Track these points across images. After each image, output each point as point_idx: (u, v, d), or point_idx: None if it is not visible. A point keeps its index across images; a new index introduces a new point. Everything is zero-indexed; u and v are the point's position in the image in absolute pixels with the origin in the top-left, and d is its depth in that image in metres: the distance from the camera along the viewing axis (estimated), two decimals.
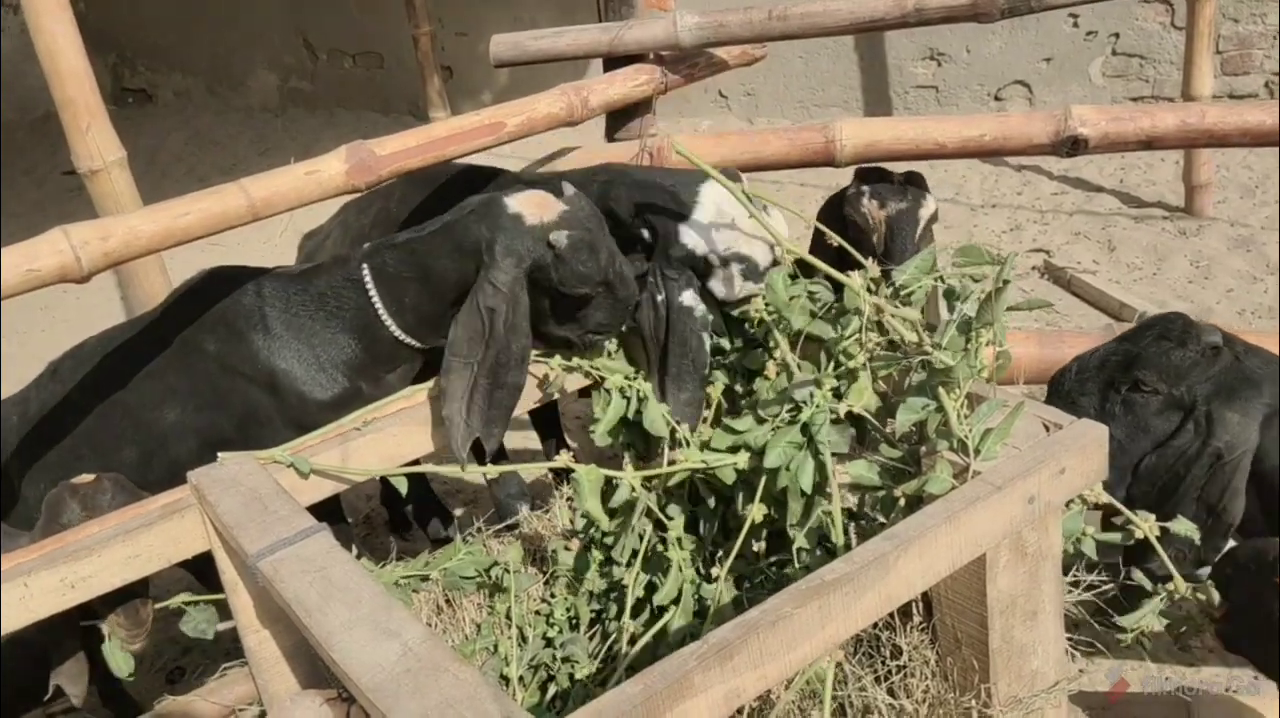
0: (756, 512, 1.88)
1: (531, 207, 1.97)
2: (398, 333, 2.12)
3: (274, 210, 1.97)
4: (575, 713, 1.25)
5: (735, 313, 2.18)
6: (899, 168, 2.50)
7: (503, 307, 1.92)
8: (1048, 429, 1.68)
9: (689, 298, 2.10)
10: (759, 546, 2.05)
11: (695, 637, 1.85)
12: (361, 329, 2.13)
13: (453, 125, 2.23)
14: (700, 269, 2.12)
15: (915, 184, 2.40)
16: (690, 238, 2.13)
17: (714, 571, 1.97)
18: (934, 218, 2.47)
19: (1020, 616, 1.69)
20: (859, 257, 1.97)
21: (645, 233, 2.19)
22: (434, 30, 7.30)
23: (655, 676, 1.29)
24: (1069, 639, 1.82)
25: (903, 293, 1.95)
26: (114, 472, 2.20)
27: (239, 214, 1.91)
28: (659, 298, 2.11)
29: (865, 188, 2.45)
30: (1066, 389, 2.06)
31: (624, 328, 2.16)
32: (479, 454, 2.87)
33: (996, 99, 6.76)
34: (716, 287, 2.13)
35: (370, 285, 2.09)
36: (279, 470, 1.92)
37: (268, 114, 9.22)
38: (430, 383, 2.11)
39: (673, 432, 2.10)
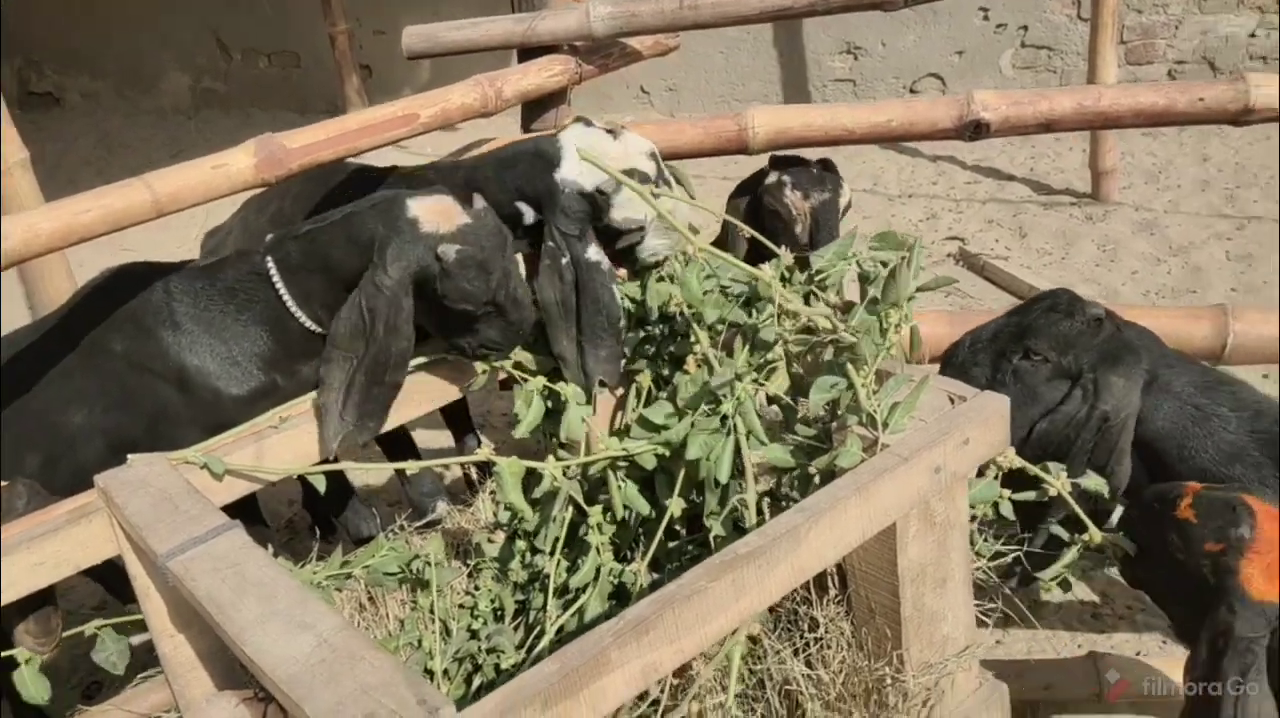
0: (675, 505, 1.91)
1: (431, 214, 1.96)
2: (308, 323, 2.10)
3: (179, 206, 1.93)
4: (494, 693, 1.26)
5: (655, 304, 2.19)
6: (806, 159, 2.56)
7: (384, 308, 1.91)
8: (952, 402, 1.73)
9: (593, 252, 2.11)
10: (680, 530, 2.08)
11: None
12: (272, 321, 2.11)
13: (365, 117, 2.21)
14: (597, 204, 2.12)
15: (831, 172, 2.46)
16: (572, 178, 2.12)
17: (634, 564, 1.99)
18: (848, 206, 2.52)
19: (930, 583, 1.74)
20: (772, 247, 2.01)
21: (524, 207, 2.17)
22: (351, 28, 7.21)
23: (572, 653, 1.30)
24: (980, 608, 1.87)
25: (818, 277, 2.00)
26: (19, 477, 2.14)
27: (143, 210, 1.87)
28: (564, 261, 2.11)
29: (787, 178, 2.49)
30: (960, 361, 2.13)
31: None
32: (390, 451, 2.86)
33: (912, 91, 6.90)
34: (619, 213, 2.13)
35: (276, 277, 2.07)
36: (190, 471, 1.89)
37: (180, 116, 9.01)
38: None
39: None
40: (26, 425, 2.14)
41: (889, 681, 1.73)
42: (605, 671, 1.32)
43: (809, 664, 1.77)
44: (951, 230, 5.41)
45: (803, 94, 7.14)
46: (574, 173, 2.11)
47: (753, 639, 1.79)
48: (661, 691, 1.73)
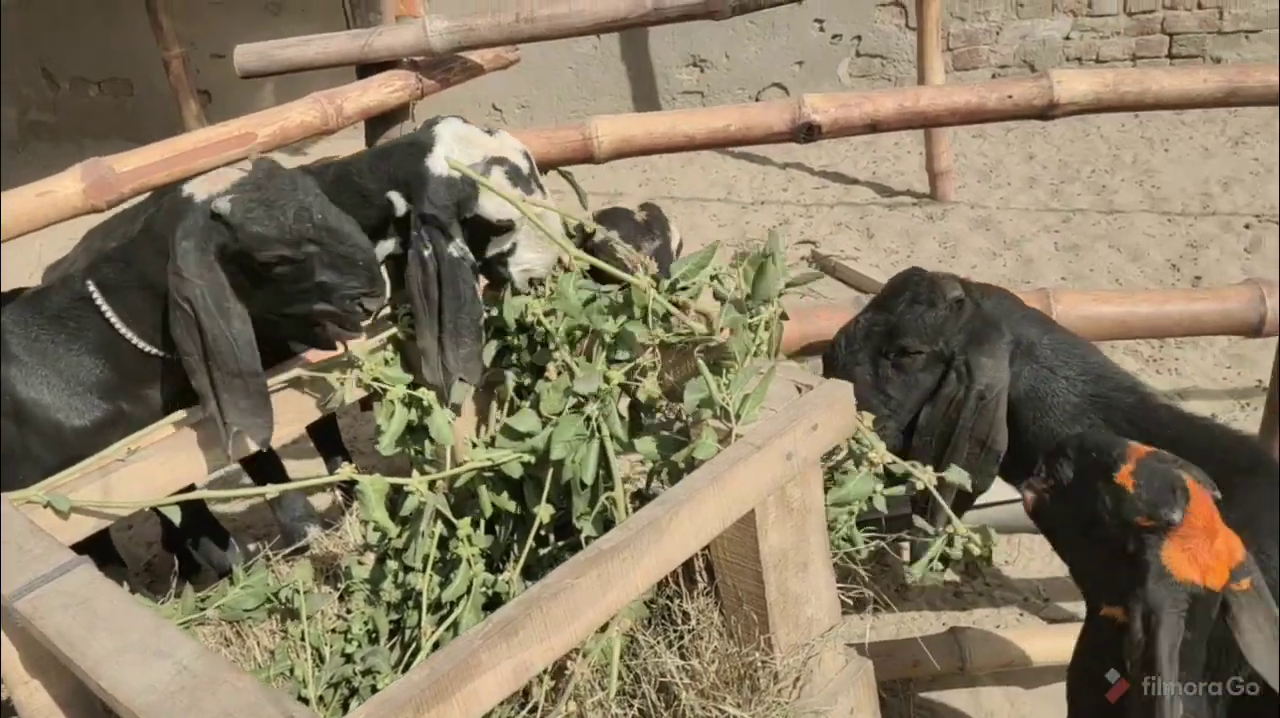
0: (544, 512, 1.93)
1: (202, 185, 1.89)
2: (140, 343, 2.03)
3: (5, 235, 1.85)
4: (363, 705, 1.25)
5: (511, 317, 2.20)
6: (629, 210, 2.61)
7: (198, 293, 1.84)
8: (800, 391, 1.81)
9: (455, 248, 2.09)
10: (551, 537, 2.10)
11: None
12: (104, 346, 2.04)
13: (200, 138, 2.16)
14: (465, 193, 2.09)
15: (657, 219, 2.51)
16: (440, 165, 2.10)
17: (505, 573, 2.00)
18: (680, 247, 2.59)
19: (792, 568, 1.80)
20: (637, 257, 2.05)
21: (395, 197, 2.14)
22: (186, 53, 6.97)
23: (441, 658, 1.31)
24: (844, 591, 1.95)
25: (678, 287, 2.06)
26: None
27: None
28: (426, 253, 2.09)
29: (616, 233, 2.55)
30: (841, 363, 2.21)
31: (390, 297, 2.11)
32: (256, 475, 2.79)
33: (757, 100, 7.10)
34: (488, 203, 2.10)
35: (100, 300, 2.00)
36: (34, 511, 1.81)
37: (7, 150, 8.54)
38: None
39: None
40: None
41: (759, 665, 1.79)
42: (476, 673, 1.33)
43: (683, 656, 1.81)
44: (803, 234, 5.60)
45: (653, 106, 7.26)
46: (442, 159, 2.09)
47: (629, 637, 1.83)
48: (541, 691, 1.74)
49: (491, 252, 2.16)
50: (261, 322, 2.01)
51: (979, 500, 2.50)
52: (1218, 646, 1.54)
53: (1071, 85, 2.25)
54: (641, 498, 2.15)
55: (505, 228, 2.15)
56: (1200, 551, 1.49)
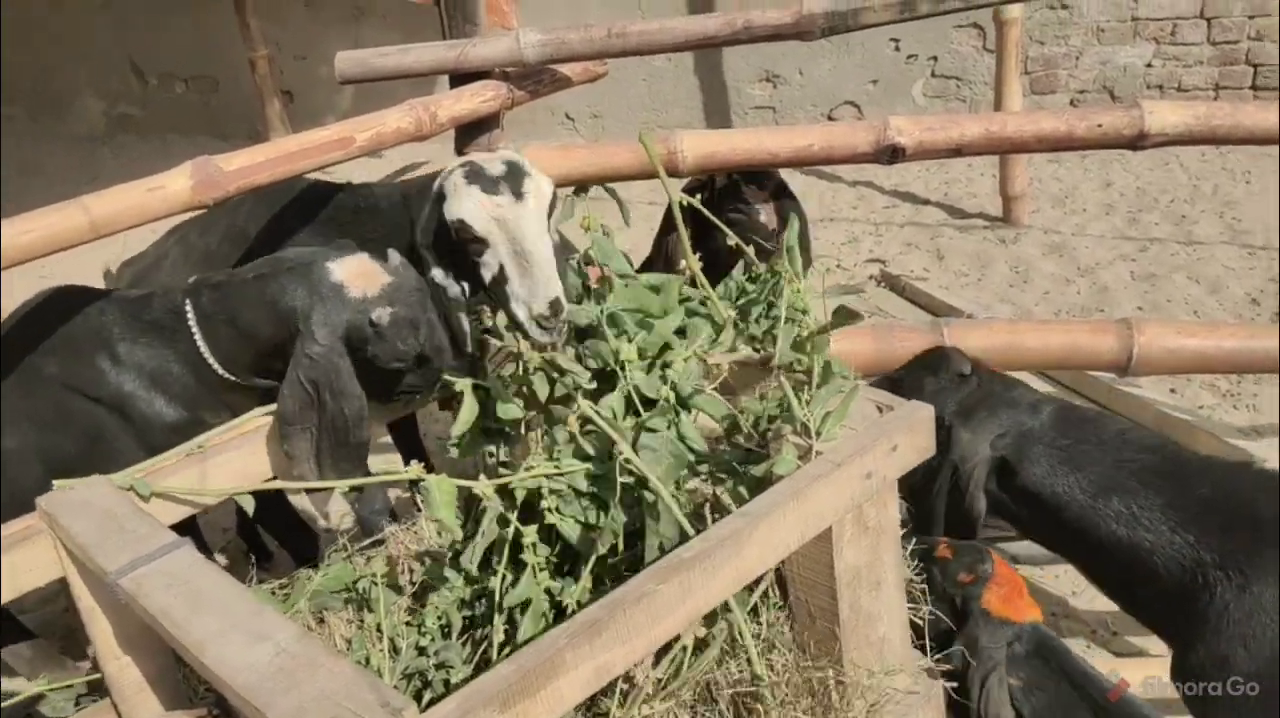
0: (604, 542, 1.95)
1: (355, 278, 1.95)
2: (219, 369, 2.10)
3: (115, 228, 1.93)
4: (454, 695, 1.30)
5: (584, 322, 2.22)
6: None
7: (324, 377, 1.92)
8: (880, 411, 1.82)
9: (438, 275, 2.11)
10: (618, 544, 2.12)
11: None
12: (189, 361, 2.12)
13: (302, 140, 2.24)
14: (435, 198, 2.09)
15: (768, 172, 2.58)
16: (441, 183, 2.12)
17: (567, 598, 2.03)
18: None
19: (866, 586, 1.82)
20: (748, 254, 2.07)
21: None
22: (271, 54, 7.16)
23: (528, 654, 1.35)
24: (914, 611, 1.96)
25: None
26: None
27: (79, 232, 1.87)
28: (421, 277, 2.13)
29: (738, 177, 2.63)
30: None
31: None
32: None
33: (829, 118, 7.10)
34: (448, 207, 2.05)
35: (192, 321, 2.07)
36: (133, 493, 1.89)
37: (94, 142, 8.82)
38: None
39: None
40: None
41: (831, 682, 1.80)
42: (560, 672, 1.36)
43: (758, 660, 1.83)
44: (872, 253, 5.58)
45: (724, 120, 7.30)
46: (445, 178, 2.11)
47: (699, 643, 1.85)
48: (613, 699, 1.77)
49: (487, 278, 2.11)
50: None
51: None
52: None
53: (1163, 116, 2.24)
54: (715, 509, 2.18)
55: (472, 238, 2.06)
56: (1013, 596, 1.95)
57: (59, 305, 2.15)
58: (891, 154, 2.27)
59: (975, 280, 5.19)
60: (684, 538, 1.95)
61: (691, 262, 2.11)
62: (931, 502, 2.09)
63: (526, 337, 2.01)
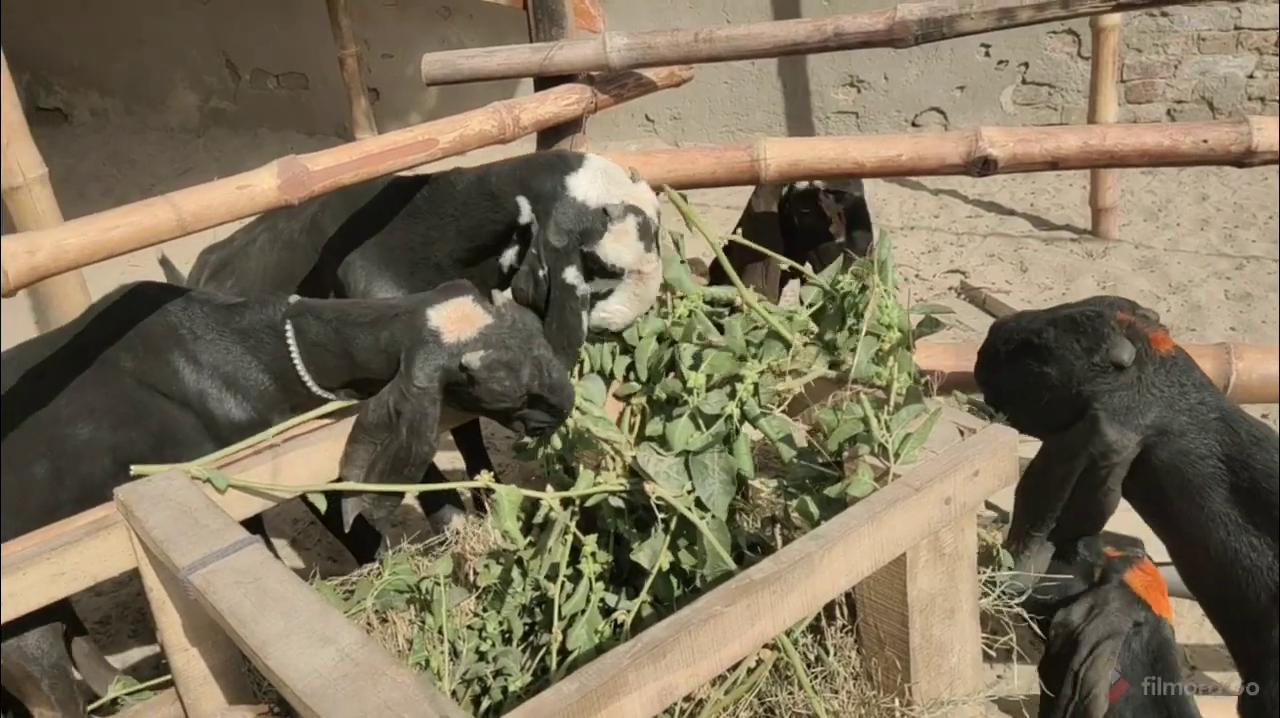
0: (663, 559, 1.93)
1: (451, 323, 2.00)
2: (314, 388, 2.15)
3: (204, 225, 1.96)
4: (513, 712, 1.28)
5: (645, 362, 2.21)
6: None
7: (409, 413, 1.95)
8: (962, 434, 1.76)
9: (571, 274, 2.12)
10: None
11: (603, 651, 1.92)
12: (277, 373, 2.16)
13: (385, 141, 2.25)
14: (593, 225, 2.12)
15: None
16: (581, 190, 2.13)
17: (620, 614, 2.02)
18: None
19: (939, 614, 1.76)
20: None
21: (523, 203, 2.17)
22: (360, 51, 7.26)
23: (590, 674, 1.32)
24: (989, 640, 1.89)
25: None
26: (23, 488, 2.16)
27: (168, 228, 1.90)
28: (540, 273, 2.12)
29: (818, 184, 2.66)
30: (995, 344, 2.14)
31: None
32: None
33: (914, 125, 6.97)
34: (611, 244, 2.12)
35: (291, 341, 2.11)
36: (207, 486, 1.92)
37: (188, 134, 9.07)
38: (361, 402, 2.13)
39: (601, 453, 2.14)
40: (35, 436, 2.15)
41: (898, 713, 1.75)
42: (622, 692, 1.34)
43: (816, 693, 1.78)
44: (953, 264, 5.46)
45: (806, 125, 7.21)
46: (584, 183, 2.13)
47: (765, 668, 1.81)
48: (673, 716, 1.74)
49: (588, 291, 2.20)
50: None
51: None
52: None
53: (1271, 133, 2.13)
54: (774, 522, 2.14)
55: (614, 274, 2.17)
56: (1154, 588, 1.88)
57: (139, 300, 2.19)
58: (982, 166, 2.19)
59: (1060, 295, 5.03)
60: (738, 558, 1.92)
61: (746, 295, 2.09)
62: (1050, 490, 1.94)
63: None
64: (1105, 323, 1.93)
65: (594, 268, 2.15)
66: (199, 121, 9.13)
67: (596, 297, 2.20)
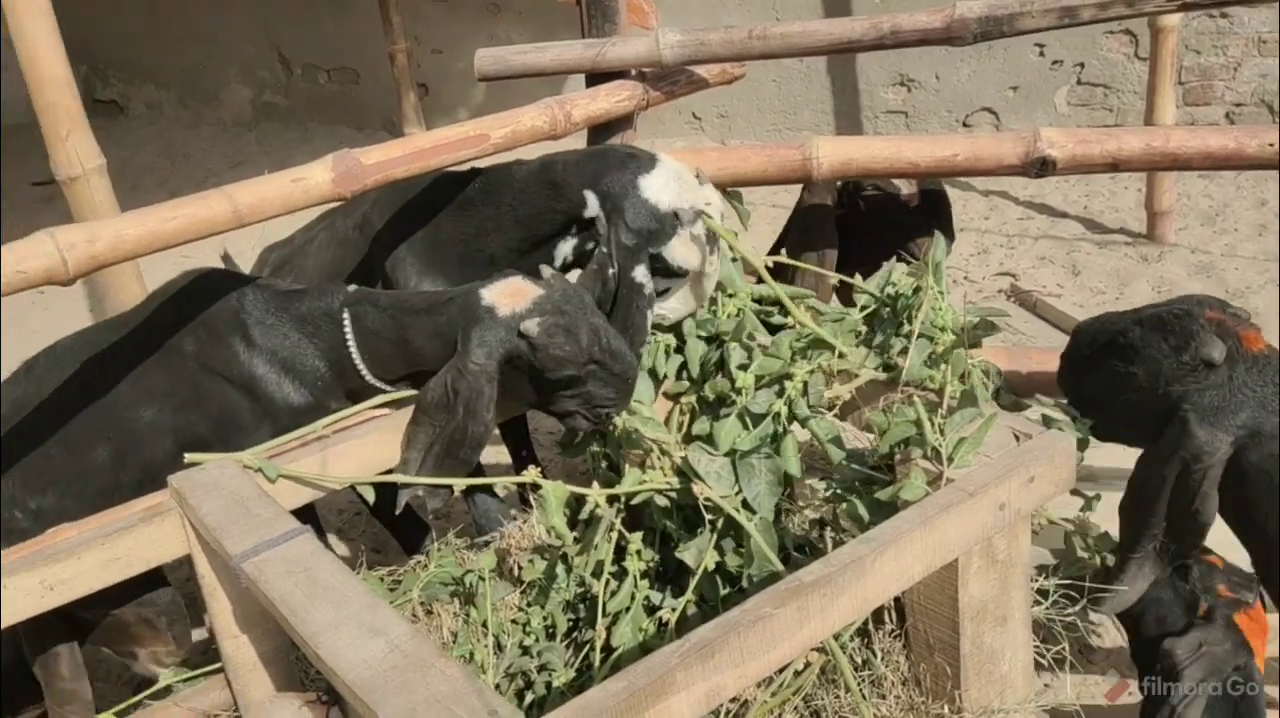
0: (709, 559, 1.93)
1: (504, 298, 2.01)
2: (368, 377, 2.16)
3: (258, 217, 1.99)
4: (560, 709, 1.27)
5: (696, 361, 2.20)
6: None
7: (466, 391, 1.96)
8: (1018, 439, 1.73)
9: (640, 273, 2.12)
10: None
11: (647, 649, 1.91)
12: (333, 361, 2.18)
13: (437, 136, 2.26)
14: (663, 228, 2.12)
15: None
16: (654, 191, 2.13)
17: (664, 612, 2.02)
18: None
19: (990, 621, 1.73)
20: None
21: (590, 197, 2.18)
22: (410, 47, 7.32)
23: (638, 672, 1.32)
24: (1039, 648, 1.86)
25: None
26: (85, 471, 2.20)
27: (224, 220, 1.93)
28: (610, 271, 2.13)
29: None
30: (1080, 344, 2.10)
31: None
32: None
33: (964, 125, 6.88)
34: (679, 249, 2.13)
35: (348, 329, 2.13)
36: (258, 475, 1.93)
37: (241, 128, 9.19)
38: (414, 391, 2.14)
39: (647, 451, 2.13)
40: (98, 419, 2.19)
41: None
42: (670, 692, 1.33)
43: (864, 698, 1.76)
44: (1003, 266, 5.38)
45: (854, 124, 7.15)
46: (657, 185, 2.13)
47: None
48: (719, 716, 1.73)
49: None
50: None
51: None
52: None
53: None
54: (821, 525, 2.12)
55: (677, 275, 2.18)
56: (1258, 633, 1.84)
57: (200, 286, 2.22)
58: (1040, 167, 2.15)
59: (1113, 299, 4.94)
60: (785, 560, 1.91)
61: (797, 314, 2.08)
62: (1145, 502, 1.87)
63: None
64: (1194, 320, 1.86)
65: (658, 268, 2.16)
66: (251, 115, 9.26)
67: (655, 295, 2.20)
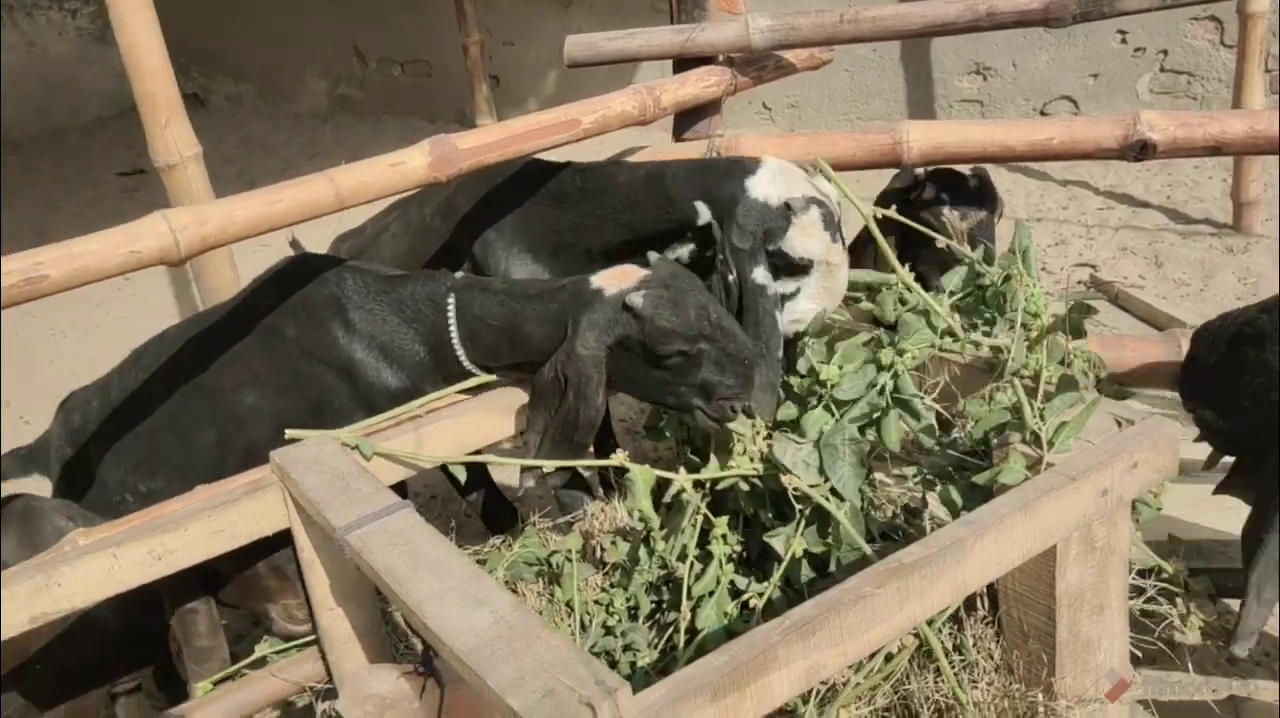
0: (797, 545, 1.91)
1: (612, 280, 2.02)
2: (466, 363, 2.18)
3: (360, 200, 2.03)
4: (665, 680, 1.29)
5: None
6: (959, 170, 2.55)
7: (575, 376, 1.97)
8: (1120, 425, 1.70)
9: (760, 274, 2.11)
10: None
11: (731, 633, 1.90)
12: (432, 346, 2.20)
13: (529, 122, 2.28)
14: (777, 223, 2.11)
15: (985, 185, 2.44)
16: (761, 189, 2.13)
17: (750, 597, 2.01)
18: (1001, 213, 2.52)
19: (1088, 609, 1.71)
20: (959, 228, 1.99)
21: (701, 208, 2.18)
22: (483, 39, 7.40)
23: (740, 647, 1.33)
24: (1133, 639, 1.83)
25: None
26: (192, 455, 2.27)
27: (327, 203, 1.97)
28: (730, 278, 2.12)
29: (945, 195, 2.50)
30: (1201, 353, 2.00)
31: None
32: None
33: (1042, 114, 6.76)
34: (797, 238, 2.11)
35: (452, 315, 2.15)
36: (355, 453, 1.98)
37: (317, 120, 9.37)
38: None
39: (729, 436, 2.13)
40: (202, 404, 2.26)
41: (1041, 708, 1.71)
42: (771, 668, 1.34)
43: (959, 685, 1.75)
44: (1082, 257, 5.28)
45: (928, 113, 7.05)
46: (763, 183, 2.12)
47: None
48: (811, 705, 1.73)
49: (779, 289, 2.17)
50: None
51: None
52: None
53: None
54: (909, 512, 2.10)
55: (802, 268, 2.15)
56: None
57: (300, 271, 2.27)
58: (1140, 150, 2.11)
59: (1197, 291, 4.83)
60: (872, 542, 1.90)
61: (902, 273, 2.06)
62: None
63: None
64: None
65: (781, 265, 2.14)
66: (327, 108, 9.43)
67: (785, 298, 2.17)
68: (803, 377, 2.08)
